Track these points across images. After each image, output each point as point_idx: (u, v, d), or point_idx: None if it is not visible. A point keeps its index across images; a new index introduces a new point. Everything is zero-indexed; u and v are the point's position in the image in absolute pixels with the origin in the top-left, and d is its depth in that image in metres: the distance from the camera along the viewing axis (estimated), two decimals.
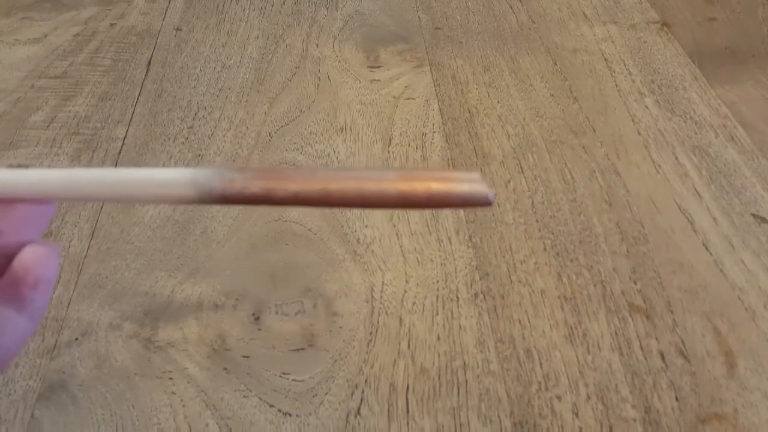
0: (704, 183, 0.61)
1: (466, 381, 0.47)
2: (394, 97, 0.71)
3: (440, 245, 0.55)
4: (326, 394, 0.46)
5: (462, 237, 0.56)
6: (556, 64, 0.75)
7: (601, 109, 0.69)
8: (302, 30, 0.81)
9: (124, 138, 0.66)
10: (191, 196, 0.19)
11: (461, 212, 0.58)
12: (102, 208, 0.59)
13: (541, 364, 0.48)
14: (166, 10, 0.85)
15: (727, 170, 0.62)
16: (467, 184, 0.19)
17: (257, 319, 0.51)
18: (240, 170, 0.18)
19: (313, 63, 0.76)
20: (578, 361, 0.48)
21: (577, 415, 0.45)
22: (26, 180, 0.19)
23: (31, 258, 0.20)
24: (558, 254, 0.55)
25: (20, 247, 0.20)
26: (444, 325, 0.50)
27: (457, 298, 0.52)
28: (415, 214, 0.57)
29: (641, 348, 0.48)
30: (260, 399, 0.46)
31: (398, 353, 0.48)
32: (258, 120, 0.68)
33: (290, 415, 0.45)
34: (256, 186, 0.18)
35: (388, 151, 0.64)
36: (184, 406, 0.45)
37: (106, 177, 0.19)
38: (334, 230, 0.57)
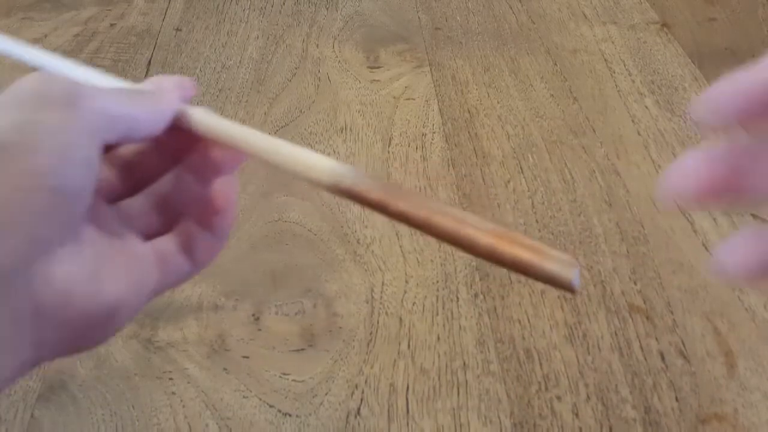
0: None
1: (466, 381, 0.47)
2: (394, 98, 0.71)
3: (440, 245, 0.55)
4: (326, 394, 0.46)
5: None
6: (556, 64, 0.75)
7: (601, 109, 0.69)
8: (302, 30, 0.82)
9: None
10: (325, 182, 0.22)
11: None
12: None
13: (541, 364, 0.48)
14: (166, 10, 0.85)
15: None
16: (555, 263, 0.19)
17: (257, 319, 0.51)
18: (369, 177, 0.22)
19: (313, 63, 0.76)
20: (578, 361, 0.48)
21: (577, 415, 0.45)
22: (245, 134, 0.24)
23: (219, 188, 0.25)
24: None
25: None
26: (444, 326, 0.50)
27: (457, 298, 0.52)
28: None
29: (641, 348, 0.48)
30: (260, 399, 0.46)
31: (398, 353, 0.48)
32: (258, 120, 0.68)
33: (290, 415, 0.45)
34: (374, 195, 0.21)
35: (388, 152, 0.64)
36: (184, 406, 0.45)
37: (278, 146, 0.24)
38: (334, 231, 0.57)
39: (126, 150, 0.26)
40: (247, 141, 0.24)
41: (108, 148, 0.25)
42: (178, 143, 0.25)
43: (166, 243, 0.25)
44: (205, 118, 0.25)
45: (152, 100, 0.24)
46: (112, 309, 0.21)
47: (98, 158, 0.21)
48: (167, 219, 0.26)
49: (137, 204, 0.26)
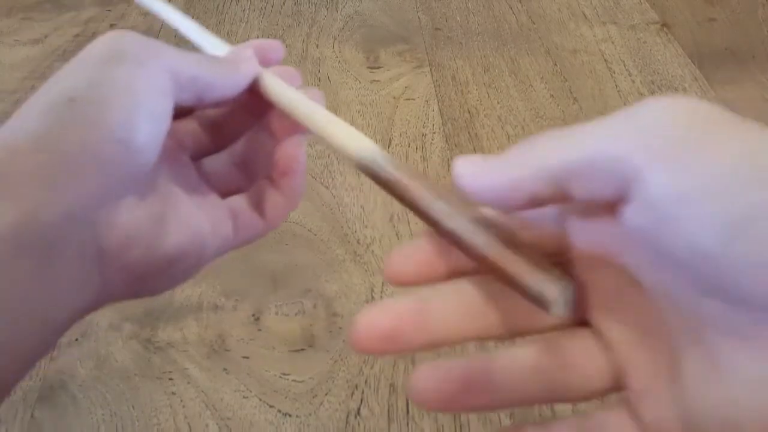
0: None
1: None
2: (394, 98, 0.71)
3: None
4: (326, 394, 0.46)
5: None
6: (556, 64, 0.75)
7: (601, 109, 0.69)
8: (302, 30, 0.82)
9: None
10: (356, 161, 0.23)
11: None
12: None
13: None
14: None
15: None
16: (539, 283, 0.18)
17: (257, 319, 0.51)
18: (396, 167, 0.22)
19: (313, 63, 0.76)
20: None
21: None
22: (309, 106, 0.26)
23: (285, 149, 0.26)
24: None
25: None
26: None
27: None
28: None
29: None
30: (260, 399, 0.46)
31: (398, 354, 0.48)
32: None
33: (290, 415, 0.45)
34: (395, 187, 0.22)
35: (388, 152, 0.64)
36: (184, 406, 0.45)
37: (327, 120, 0.25)
38: (334, 231, 0.57)
39: (214, 110, 0.27)
40: (299, 110, 0.25)
41: (194, 109, 0.27)
42: (260, 105, 0.27)
43: (241, 201, 0.26)
44: (272, 85, 0.26)
45: (227, 67, 0.25)
46: (172, 257, 0.22)
47: (167, 115, 0.22)
48: (247, 178, 0.27)
49: (220, 162, 0.27)
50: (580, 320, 0.19)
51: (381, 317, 0.19)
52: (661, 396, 0.17)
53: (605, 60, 0.76)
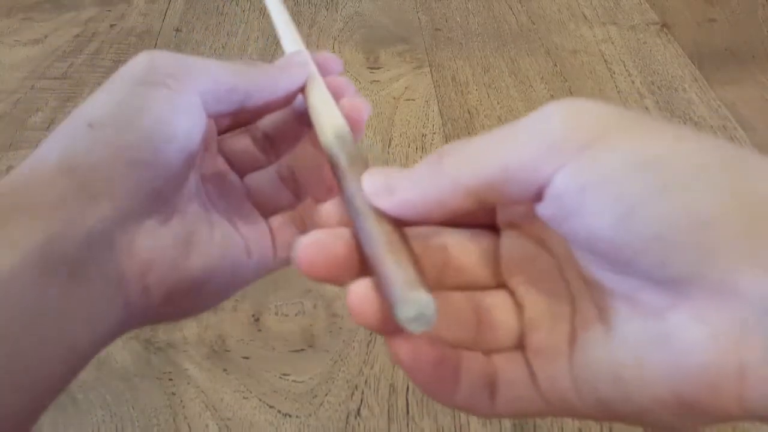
0: None
1: None
2: (394, 98, 0.71)
3: None
4: (326, 395, 0.46)
5: None
6: (556, 65, 0.75)
7: None
8: (302, 31, 0.81)
9: None
10: (321, 143, 0.23)
11: None
12: None
13: None
14: (166, 11, 0.85)
15: None
16: (396, 285, 0.17)
17: (257, 320, 0.51)
18: (352, 158, 0.22)
19: None
20: None
21: None
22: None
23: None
24: None
25: None
26: None
27: None
28: None
29: None
30: (260, 400, 0.46)
31: None
32: None
33: (290, 416, 0.45)
34: (341, 179, 0.21)
35: (388, 152, 0.64)
36: (184, 407, 0.45)
37: (320, 105, 0.25)
38: None
39: (267, 122, 0.27)
40: (311, 99, 0.25)
41: (249, 121, 0.27)
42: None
43: (284, 219, 0.26)
44: (310, 90, 0.25)
45: (266, 74, 0.25)
46: (198, 279, 0.22)
47: (195, 134, 0.22)
48: (294, 195, 0.27)
49: (268, 179, 0.27)
50: (499, 283, 0.21)
51: (333, 243, 0.19)
52: (557, 356, 0.19)
53: (605, 60, 0.76)
